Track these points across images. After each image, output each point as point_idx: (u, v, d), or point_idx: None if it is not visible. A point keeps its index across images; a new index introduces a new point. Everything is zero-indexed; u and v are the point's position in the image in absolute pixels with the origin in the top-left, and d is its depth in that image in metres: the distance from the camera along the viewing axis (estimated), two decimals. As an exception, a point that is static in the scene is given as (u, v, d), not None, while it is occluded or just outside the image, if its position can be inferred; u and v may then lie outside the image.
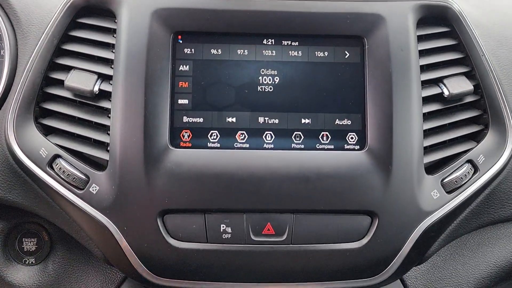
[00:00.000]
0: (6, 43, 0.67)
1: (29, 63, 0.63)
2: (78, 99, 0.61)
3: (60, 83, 0.63)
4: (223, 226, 0.58)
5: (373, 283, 0.61)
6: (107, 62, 0.62)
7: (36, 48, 0.63)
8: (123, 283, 0.67)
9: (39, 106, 0.63)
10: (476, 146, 0.63)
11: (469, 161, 0.63)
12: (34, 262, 0.68)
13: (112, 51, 0.62)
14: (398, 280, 0.68)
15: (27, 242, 0.68)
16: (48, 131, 0.62)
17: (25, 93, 0.62)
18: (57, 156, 0.60)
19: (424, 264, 0.69)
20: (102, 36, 0.63)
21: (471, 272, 0.70)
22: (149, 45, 0.59)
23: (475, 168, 0.62)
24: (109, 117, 0.60)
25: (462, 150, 0.63)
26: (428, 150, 0.62)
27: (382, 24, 0.61)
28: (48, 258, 0.68)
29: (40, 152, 0.60)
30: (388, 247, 0.59)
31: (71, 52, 0.63)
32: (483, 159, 0.63)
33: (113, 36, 0.62)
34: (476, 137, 0.65)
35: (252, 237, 0.58)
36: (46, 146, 0.60)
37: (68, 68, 0.63)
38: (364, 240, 0.59)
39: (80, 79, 0.61)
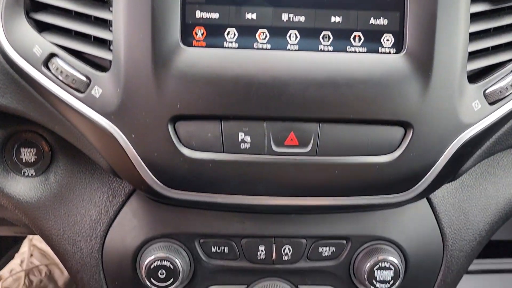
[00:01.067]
0: None
1: None
2: None
3: None
4: (241, 135, 0.52)
5: (401, 199, 0.56)
6: None
7: None
8: (131, 196, 0.62)
9: None
10: None
11: None
12: (34, 174, 0.63)
13: None
14: (425, 198, 0.64)
15: (25, 153, 0.63)
16: (41, 27, 0.55)
17: None
18: (53, 55, 0.53)
19: (452, 183, 0.65)
20: None
21: (502, 192, 0.66)
22: None
23: None
24: (111, 11, 0.52)
25: (508, 58, 0.56)
26: (471, 56, 0.55)
27: None
28: (49, 169, 0.63)
29: (34, 50, 0.53)
30: (421, 161, 0.54)
31: None
32: None
33: None
34: None
35: (273, 147, 0.53)
36: (41, 43, 0.53)
37: None
38: (396, 153, 0.53)
39: None
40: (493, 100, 0.55)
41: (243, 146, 0.52)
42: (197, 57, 0.51)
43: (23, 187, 0.63)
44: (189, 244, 0.62)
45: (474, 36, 0.55)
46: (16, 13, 0.54)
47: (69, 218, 0.63)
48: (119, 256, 0.62)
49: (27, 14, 0.54)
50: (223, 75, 0.51)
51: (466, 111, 0.54)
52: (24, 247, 1.66)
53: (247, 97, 0.51)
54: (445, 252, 0.65)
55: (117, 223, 0.63)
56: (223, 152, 0.53)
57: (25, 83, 0.55)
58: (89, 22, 0.54)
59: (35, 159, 0.63)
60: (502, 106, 0.55)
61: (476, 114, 0.54)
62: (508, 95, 0.55)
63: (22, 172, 0.63)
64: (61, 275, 1.68)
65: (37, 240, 1.68)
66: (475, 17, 0.55)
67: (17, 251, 1.70)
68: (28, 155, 0.63)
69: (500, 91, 0.55)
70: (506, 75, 0.56)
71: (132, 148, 0.52)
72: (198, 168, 0.53)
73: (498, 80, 0.55)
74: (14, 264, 1.60)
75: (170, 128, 0.52)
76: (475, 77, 0.56)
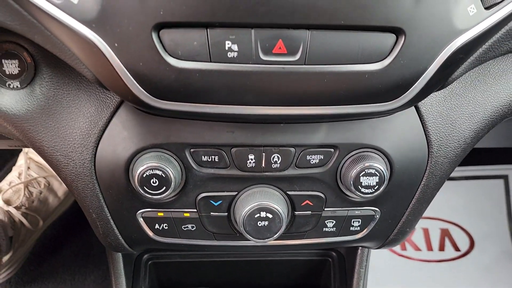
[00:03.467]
0: None
1: None
2: None
3: None
4: (228, 43, 0.51)
5: (390, 107, 0.56)
6: None
7: None
8: (119, 107, 0.62)
9: None
10: None
11: None
12: (19, 86, 0.62)
13: None
14: (413, 107, 0.65)
15: (7, 64, 0.61)
16: None
17: None
18: None
19: (442, 91, 0.65)
20: None
21: (490, 100, 0.66)
22: None
23: None
24: None
25: None
26: None
27: None
28: (34, 81, 0.62)
29: None
30: (412, 68, 0.53)
31: None
32: None
33: None
34: None
35: (261, 56, 0.51)
36: None
37: None
38: (387, 61, 0.52)
39: None
40: (489, 5, 0.53)
41: (230, 54, 0.51)
42: None
43: (9, 99, 0.62)
44: (179, 153, 0.63)
45: None
46: None
47: (58, 130, 0.63)
48: (111, 166, 0.64)
49: None
50: None
51: (461, 15, 0.52)
52: (21, 160, 1.69)
53: (234, 3, 0.49)
54: (429, 158, 0.67)
55: (107, 134, 0.63)
56: (210, 61, 0.51)
57: None
58: None
59: (18, 71, 0.61)
60: (498, 10, 0.53)
61: (471, 19, 0.52)
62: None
63: (7, 84, 0.62)
64: (60, 186, 1.73)
65: (32, 153, 1.70)
66: None
67: (13, 164, 1.73)
68: (11, 66, 0.61)
69: None
70: None
71: (116, 57, 0.50)
72: (185, 77, 0.52)
73: None
74: (13, 176, 1.64)
75: (154, 36, 0.50)
76: (471, -21, 0.53)
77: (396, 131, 0.65)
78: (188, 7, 0.49)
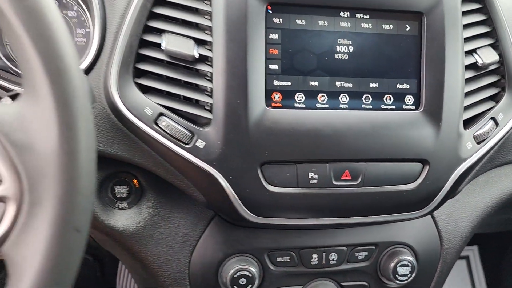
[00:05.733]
0: (95, 5, 0.70)
1: (125, 25, 0.67)
2: (176, 62, 0.67)
3: (152, 45, 0.68)
4: (310, 174, 0.70)
5: (418, 215, 0.77)
6: (200, 28, 0.68)
7: (131, 11, 0.67)
8: (211, 221, 0.77)
9: (135, 67, 0.68)
10: (496, 105, 0.79)
11: (492, 118, 0.78)
12: (126, 206, 0.76)
13: (205, 18, 0.67)
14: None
15: (118, 189, 0.75)
16: (144, 90, 0.68)
17: (125, 54, 0.66)
18: (161, 114, 0.67)
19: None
20: (194, 2, 0.68)
21: (480, 203, 0.90)
22: (248, 15, 0.66)
23: (496, 124, 0.79)
24: (207, 79, 0.67)
25: (486, 108, 0.79)
26: (464, 109, 0.77)
27: (439, 2, 0.72)
28: (140, 202, 0.76)
29: (145, 110, 0.66)
30: (434, 186, 0.75)
31: (162, 16, 0.68)
32: (502, 116, 0.79)
33: (205, 2, 0.67)
34: (495, 98, 0.81)
35: (334, 182, 0.71)
36: (150, 105, 0.67)
37: (158, 31, 0.68)
38: (417, 182, 0.74)
39: (178, 44, 0.67)
40: (479, 141, 0.77)
41: (311, 182, 0.70)
42: (277, 116, 0.68)
43: (121, 218, 0.75)
44: (259, 256, 0.78)
45: (466, 94, 0.77)
46: (126, 80, 0.67)
47: (161, 242, 0.77)
48: (203, 270, 0.77)
49: (133, 80, 0.67)
50: (297, 130, 0.68)
51: (463, 149, 0.75)
52: None
53: (315, 146, 0.69)
54: (441, 250, 0.88)
55: (201, 243, 0.77)
56: (297, 187, 0.70)
57: (133, 135, 0.69)
58: (186, 88, 0.68)
59: (127, 194, 0.76)
60: (485, 144, 0.78)
61: (469, 151, 0.76)
62: (489, 136, 0.78)
63: (116, 205, 0.76)
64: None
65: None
66: (466, 81, 0.77)
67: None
68: (121, 191, 0.76)
69: (483, 134, 0.77)
70: (486, 122, 0.78)
71: (230, 187, 0.68)
72: (278, 199, 0.69)
73: (482, 126, 0.78)
74: None
75: (259, 170, 0.68)
76: (465, 124, 0.77)
77: (418, 230, 0.85)
78: (284, 150, 0.68)
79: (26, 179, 0.41)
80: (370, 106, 0.73)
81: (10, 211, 0.41)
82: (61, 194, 0.41)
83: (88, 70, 0.70)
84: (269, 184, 0.69)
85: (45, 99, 0.41)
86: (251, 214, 0.70)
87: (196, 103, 0.68)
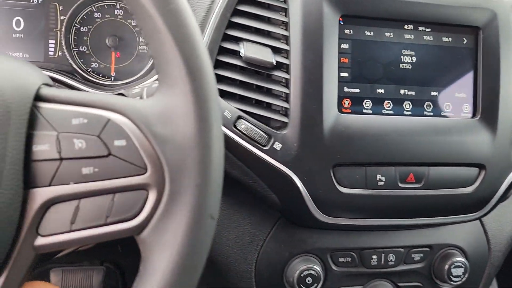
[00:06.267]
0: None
1: (206, 34, 0.71)
2: (254, 68, 0.71)
3: (230, 52, 0.72)
4: (378, 176, 0.74)
5: (474, 217, 0.81)
6: (274, 36, 0.72)
7: (212, 20, 0.71)
8: (276, 223, 0.80)
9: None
10: None
11: None
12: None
13: (281, 27, 0.72)
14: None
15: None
16: (220, 95, 0.72)
17: None
18: (239, 117, 0.70)
19: None
20: (271, 13, 0.72)
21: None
22: (324, 26, 0.70)
23: None
24: (283, 85, 0.71)
25: None
26: None
27: (494, 18, 0.77)
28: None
29: (225, 113, 0.70)
30: (489, 191, 0.79)
31: (239, 25, 0.72)
32: None
33: (280, 13, 0.72)
34: None
35: (399, 184, 0.74)
36: (229, 108, 0.70)
37: (235, 39, 0.72)
38: (474, 186, 0.78)
39: (256, 51, 0.71)
40: None
41: (379, 184, 0.74)
42: (348, 121, 0.72)
43: None
44: (322, 256, 0.81)
45: None
46: None
47: (230, 241, 0.80)
48: (269, 269, 0.80)
49: None
50: (366, 134, 0.72)
51: None
52: None
53: (382, 150, 0.73)
54: (489, 252, 0.91)
55: (267, 243, 0.80)
56: (366, 188, 0.73)
57: None
58: (262, 93, 0.72)
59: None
60: None
61: None
62: None
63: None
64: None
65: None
66: None
67: None
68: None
69: None
70: None
71: (304, 187, 0.71)
72: (348, 200, 0.73)
73: None
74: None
75: (331, 172, 0.71)
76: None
77: (468, 233, 0.89)
78: (354, 153, 0.72)
79: (167, 169, 0.44)
80: (431, 113, 0.77)
81: (152, 199, 0.44)
82: (199, 183, 0.44)
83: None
84: (340, 185, 0.72)
85: (186, 96, 0.44)
86: (321, 213, 0.73)
87: (269, 108, 0.72)
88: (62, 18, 0.88)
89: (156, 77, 0.81)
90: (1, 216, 0.40)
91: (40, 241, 0.43)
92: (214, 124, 0.45)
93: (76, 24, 0.89)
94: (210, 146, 0.45)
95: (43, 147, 0.43)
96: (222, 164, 0.47)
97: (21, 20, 0.88)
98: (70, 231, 0.43)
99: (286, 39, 0.72)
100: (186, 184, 0.44)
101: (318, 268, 0.79)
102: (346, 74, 0.73)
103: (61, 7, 0.88)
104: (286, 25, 0.72)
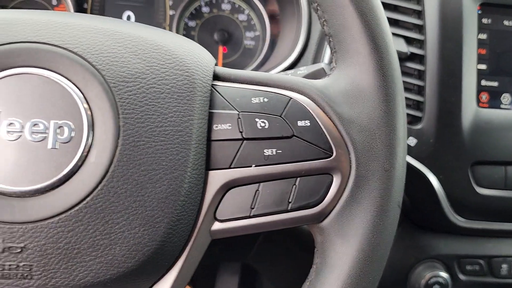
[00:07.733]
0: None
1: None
2: None
3: None
4: (518, 176, 0.68)
5: None
6: (406, 26, 0.68)
7: None
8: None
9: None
10: None
11: None
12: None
13: (413, 17, 0.68)
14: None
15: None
16: None
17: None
18: None
19: None
20: (404, 2, 0.68)
21: None
22: (463, 14, 0.66)
23: None
24: (415, 77, 0.67)
25: None
26: None
27: None
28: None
29: None
30: None
31: None
32: None
33: (411, 2, 0.68)
34: None
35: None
36: None
37: None
38: None
39: None
40: None
41: (519, 185, 0.68)
42: (487, 116, 0.67)
43: None
44: (449, 263, 0.75)
45: None
46: None
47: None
48: (393, 273, 0.75)
49: None
50: (507, 130, 0.67)
51: None
52: None
53: None
54: None
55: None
56: (505, 189, 0.68)
57: None
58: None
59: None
60: None
61: None
62: None
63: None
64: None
65: None
66: None
67: None
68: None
69: None
70: None
71: (440, 186, 0.66)
72: (485, 202, 0.67)
73: None
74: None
75: (469, 171, 0.66)
76: None
77: None
78: (494, 150, 0.66)
79: (354, 152, 0.41)
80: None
81: (336, 184, 0.41)
82: (388, 168, 0.41)
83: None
84: (477, 185, 0.67)
85: (371, 74, 0.41)
86: (455, 215, 0.68)
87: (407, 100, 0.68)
88: (171, 13, 0.88)
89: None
90: (187, 198, 0.38)
91: (216, 226, 0.40)
92: (400, 104, 0.42)
93: (185, 19, 0.88)
94: (397, 128, 0.41)
95: (225, 126, 0.40)
96: (406, 148, 0.43)
97: (132, 15, 0.88)
98: (249, 216, 0.41)
99: (419, 29, 0.68)
100: (373, 168, 0.41)
101: (445, 275, 0.73)
102: (484, 66, 0.68)
103: (170, 2, 0.88)
104: (418, 14, 0.68)
